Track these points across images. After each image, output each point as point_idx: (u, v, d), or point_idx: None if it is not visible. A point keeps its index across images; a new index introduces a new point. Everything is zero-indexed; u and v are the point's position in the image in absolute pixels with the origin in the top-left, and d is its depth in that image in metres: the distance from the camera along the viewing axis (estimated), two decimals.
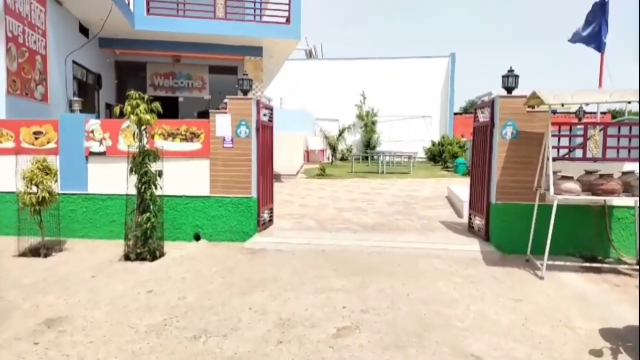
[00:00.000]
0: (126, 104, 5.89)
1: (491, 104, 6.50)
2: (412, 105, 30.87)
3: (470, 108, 43.89)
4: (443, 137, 26.00)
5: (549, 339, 3.71)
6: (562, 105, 5.16)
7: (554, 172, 5.48)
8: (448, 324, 3.97)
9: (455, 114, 32.23)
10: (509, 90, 6.34)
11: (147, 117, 5.79)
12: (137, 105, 5.83)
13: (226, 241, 6.74)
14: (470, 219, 7.29)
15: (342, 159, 28.35)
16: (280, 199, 10.61)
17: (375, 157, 23.14)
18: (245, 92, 6.82)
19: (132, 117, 5.78)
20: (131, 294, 4.68)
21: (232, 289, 4.81)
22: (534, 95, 5.55)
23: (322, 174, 17.08)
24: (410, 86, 30.77)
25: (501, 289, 4.86)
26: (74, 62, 10.96)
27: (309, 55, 33.85)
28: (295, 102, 29.77)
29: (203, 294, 4.65)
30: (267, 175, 7.35)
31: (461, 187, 11.36)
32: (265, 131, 7.17)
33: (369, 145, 30.20)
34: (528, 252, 5.94)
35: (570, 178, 5.22)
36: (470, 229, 7.22)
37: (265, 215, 7.36)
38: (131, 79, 15.37)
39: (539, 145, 6.13)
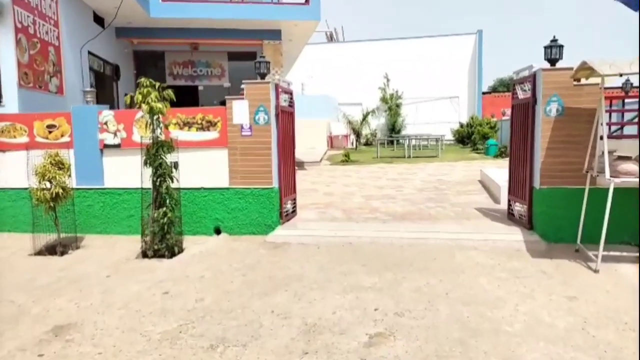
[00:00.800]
0: (137, 92, 5.54)
1: (533, 78, 5.88)
2: (438, 85, 29.88)
3: (500, 87, 42.38)
4: (472, 118, 25.04)
5: (616, 347, 3.20)
6: (620, 75, 4.53)
7: (609, 152, 4.87)
8: (496, 328, 3.49)
9: (483, 93, 31.07)
10: (553, 62, 5.71)
11: (159, 105, 5.43)
12: (148, 94, 5.46)
13: (248, 234, 6.39)
14: (509, 205, 6.72)
15: (367, 144, 27.74)
16: (304, 188, 10.21)
17: (401, 141, 22.47)
18: (262, 76, 6.38)
19: (144, 106, 5.43)
20: (146, 295, 4.37)
21: (254, 288, 4.43)
22: (584, 66, 4.93)
23: (346, 160, 16.59)
24: (436, 66, 29.76)
25: (552, 285, 4.33)
26: (89, 52, 10.73)
27: (330, 38, 33.12)
28: (317, 87, 29.18)
29: (222, 295, 4.29)
30: (289, 164, 6.93)
31: (495, 170, 10.72)
32: (285, 117, 6.74)
33: (393, 129, 29.46)
34: (578, 241, 5.36)
35: (628, 158, 4.61)
36: (510, 216, 6.65)
37: (288, 206, 6.97)
38: (150, 69, 15.13)
39: (587, 122, 5.51)
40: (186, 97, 15.19)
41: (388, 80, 29.73)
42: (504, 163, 15.64)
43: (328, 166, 15.95)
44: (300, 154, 20.36)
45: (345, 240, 5.92)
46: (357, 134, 24.92)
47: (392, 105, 29.60)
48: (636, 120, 5.62)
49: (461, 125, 26.74)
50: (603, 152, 4.94)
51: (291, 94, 7.06)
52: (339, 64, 30.36)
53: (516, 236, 5.79)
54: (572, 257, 5.15)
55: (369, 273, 4.76)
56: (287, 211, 6.81)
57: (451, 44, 30.03)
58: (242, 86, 6.37)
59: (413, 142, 20.34)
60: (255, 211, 6.36)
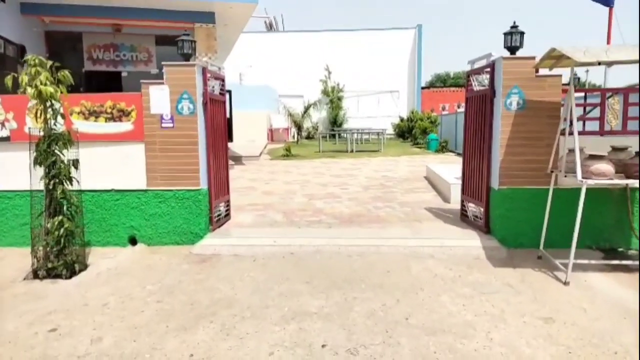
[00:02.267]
0: (22, 72, 4.39)
1: (491, 68, 5.35)
2: (379, 79, 29.73)
3: (437, 82, 43.20)
4: (412, 113, 25.06)
5: None
6: (599, 63, 4.04)
7: (572, 151, 4.41)
8: None
9: (422, 88, 31.33)
10: (513, 50, 5.20)
11: (50, 89, 4.31)
12: (37, 74, 4.34)
13: (170, 244, 5.41)
14: (463, 205, 6.21)
15: (308, 137, 27.06)
16: (241, 186, 9.28)
17: (343, 134, 21.95)
18: (187, 57, 5.41)
19: (29, 89, 4.30)
20: (25, 335, 3.33)
21: (170, 321, 3.52)
22: (552, 54, 4.42)
23: (287, 154, 15.77)
24: (377, 60, 29.57)
25: (523, 303, 3.78)
26: None
27: (269, 27, 32.00)
28: (256, 78, 28.04)
29: (127, 332, 3.34)
30: (221, 161, 6.01)
31: (441, 166, 10.35)
32: (216, 107, 5.80)
33: (335, 122, 28.97)
34: (541, 246, 4.90)
35: (601, 157, 4.15)
36: (464, 218, 6.14)
37: (221, 210, 6.06)
38: (65, 52, 13.41)
39: (550, 117, 5.06)
40: (108, 83, 13.65)
41: (329, 72, 29.16)
42: (446, 158, 15.63)
43: (268, 161, 15.05)
44: (238, 147, 19.27)
45: (286, 250, 5.11)
46: (299, 127, 24.12)
47: (333, 98, 29.09)
48: (589, 116, 5.25)
49: (401, 120, 26.74)
50: (570, 150, 4.47)
51: (223, 80, 6.12)
52: (279, 54, 29.38)
53: (474, 241, 5.25)
54: (536, 265, 4.66)
55: (314, 293, 3.99)
56: (218, 215, 5.89)
57: (392, 37, 29.95)
58: (163, 70, 5.36)
59: (355, 136, 19.88)
60: (179, 217, 5.39)
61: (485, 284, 4.19)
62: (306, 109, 23.76)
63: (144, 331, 3.36)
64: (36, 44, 12.49)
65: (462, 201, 6.23)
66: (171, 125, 5.30)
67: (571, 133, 4.39)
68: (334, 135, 24.29)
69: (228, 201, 6.32)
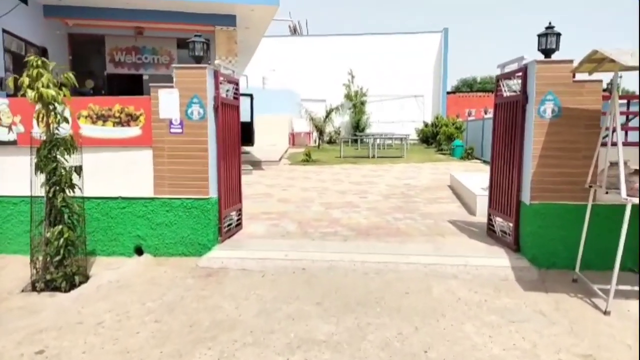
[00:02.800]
0: (24, 74, 4.21)
1: (523, 72, 4.93)
2: (403, 84, 29.22)
3: (463, 87, 42.31)
4: (437, 118, 24.45)
5: None
6: None
7: (614, 164, 3.97)
8: None
9: (447, 93, 30.65)
10: (548, 53, 4.76)
11: (51, 92, 4.11)
12: (39, 76, 4.14)
13: (177, 256, 5.16)
14: (490, 220, 5.78)
15: (330, 142, 26.73)
16: (257, 192, 9.02)
17: (366, 139, 21.55)
18: (198, 60, 5.16)
19: (29, 92, 4.10)
20: (10, 357, 3.10)
21: (165, 345, 3.24)
22: (593, 57, 3.99)
23: (307, 159, 15.49)
24: (401, 64, 29.07)
25: (557, 336, 3.36)
26: (4, 31, 9.12)
27: (293, 31, 31.86)
28: (279, 81, 27.92)
29: (118, 357, 3.07)
30: (233, 168, 5.74)
31: (466, 175, 9.88)
32: (228, 111, 5.54)
33: (358, 127, 28.57)
34: (576, 268, 4.44)
35: None
36: (491, 233, 5.71)
37: (233, 217, 5.79)
38: (88, 55, 13.49)
39: (588, 126, 4.61)
40: (130, 86, 13.66)
41: (353, 76, 28.78)
42: (471, 166, 15.05)
43: (288, 166, 14.79)
44: (258, 151, 19.10)
45: (297, 265, 4.79)
46: (320, 132, 23.82)
47: (356, 103, 28.69)
48: (631, 125, 4.76)
49: (426, 125, 26.16)
50: (612, 164, 4.02)
51: (237, 83, 5.87)
52: (303, 58, 29.20)
53: (501, 260, 4.83)
54: (571, 290, 4.21)
55: (325, 317, 3.66)
56: (229, 225, 5.62)
57: (417, 41, 29.41)
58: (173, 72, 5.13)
59: (378, 141, 19.46)
60: (186, 227, 5.13)
61: (515, 311, 3.78)
62: (328, 114, 23.44)
63: (136, 356, 3.08)
64: (59, 47, 12.56)
65: (489, 215, 5.80)
66: (180, 130, 5.05)
67: (614, 144, 3.95)
68: (356, 140, 23.92)
69: (240, 210, 6.05)
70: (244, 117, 22.65)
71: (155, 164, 5.10)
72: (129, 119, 5.11)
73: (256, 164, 14.11)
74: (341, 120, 28.70)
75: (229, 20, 11.87)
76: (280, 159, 16.14)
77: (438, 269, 4.65)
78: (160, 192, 5.12)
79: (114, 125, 5.13)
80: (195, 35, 5.19)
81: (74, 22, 12.52)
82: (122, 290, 4.26)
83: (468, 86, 42.17)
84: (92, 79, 13.60)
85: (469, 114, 19.69)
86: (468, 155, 16.69)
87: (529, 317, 3.66)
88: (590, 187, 4.29)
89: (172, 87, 5.03)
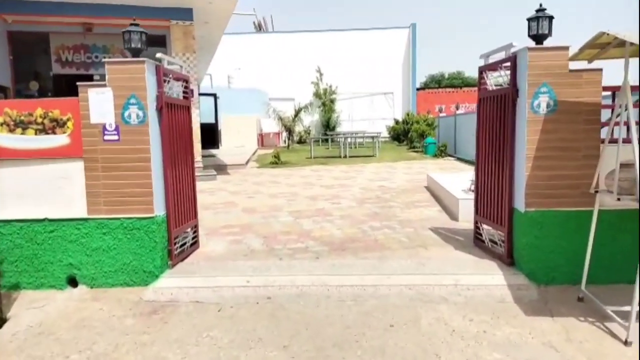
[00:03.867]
0: None
1: (512, 62, 4.34)
2: (373, 81, 28.79)
3: (431, 83, 42.28)
4: (407, 115, 24.09)
5: None
6: None
7: (627, 165, 3.42)
8: None
9: (417, 89, 30.39)
10: (539, 39, 4.19)
11: None
12: None
13: (118, 286, 4.35)
14: (477, 227, 5.19)
15: (300, 141, 26.03)
16: (220, 201, 8.23)
17: (337, 139, 20.93)
18: (135, 53, 4.37)
19: None
20: None
21: None
22: (598, 41, 3.41)
23: (276, 162, 14.73)
24: (370, 60, 28.63)
25: None
26: None
27: (259, 28, 30.99)
28: (245, 81, 27.02)
29: None
30: (185, 179, 4.96)
31: (443, 175, 9.36)
32: (176, 113, 4.76)
33: (328, 125, 27.97)
34: (582, 284, 3.87)
35: None
36: (478, 242, 5.13)
37: (189, 234, 5.03)
38: (31, 54, 12.35)
39: (589, 122, 4.07)
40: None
41: (321, 74, 28.15)
42: (446, 164, 14.60)
43: (255, 169, 13.99)
44: (224, 155, 18.21)
45: (261, 293, 4.06)
46: (289, 132, 23.06)
47: (326, 101, 28.09)
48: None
49: (396, 122, 25.77)
50: (623, 165, 3.46)
51: (186, 80, 5.08)
52: (269, 56, 28.36)
53: (495, 277, 4.23)
54: (579, 312, 3.64)
55: None
56: (182, 246, 4.85)
57: (385, 37, 29.02)
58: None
59: (349, 140, 18.86)
60: (128, 252, 4.33)
61: (521, 346, 3.16)
62: (297, 113, 22.73)
63: None
64: None
65: (476, 222, 5.21)
66: (116, 137, 4.24)
67: (626, 141, 3.39)
68: (327, 140, 23.30)
69: (196, 226, 5.27)
70: (208, 118, 21.76)
71: (88, 179, 4.28)
72: (54, 126, 4.26)
73: (221, 169, 13.27)
74: (311, 119, 28.06)
75: (186, 14, 11.00)
76: (247, 162, 15.32)
77: (425, 291, 4.01)
78: (94, 211, 4.30)
79: (36, 133, 4.28)
80: (132, 24, 4.39)
81: (13, 18, 11.38)
82: (43, 338, 3.43)
83: (436, 82, 42.20)
84: (36, 81, 12.47)
85: (440, 110, 19.34)
86: (441, 152, 16.29)
87: (538, 354, 3.05)
88: (596, 192, 3.73)
89: (104, 85, 4.21)
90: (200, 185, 10.38)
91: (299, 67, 28.04)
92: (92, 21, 11.88)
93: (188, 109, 5.12)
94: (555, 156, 4.12)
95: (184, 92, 5.04)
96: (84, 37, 12.29)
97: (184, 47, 10.95)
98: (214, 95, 16.81)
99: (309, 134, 26.22)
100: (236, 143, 23.54)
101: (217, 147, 16.86)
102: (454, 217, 6.56)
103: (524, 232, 4.23)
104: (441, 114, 19.23)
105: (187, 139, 5.07)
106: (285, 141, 23.84)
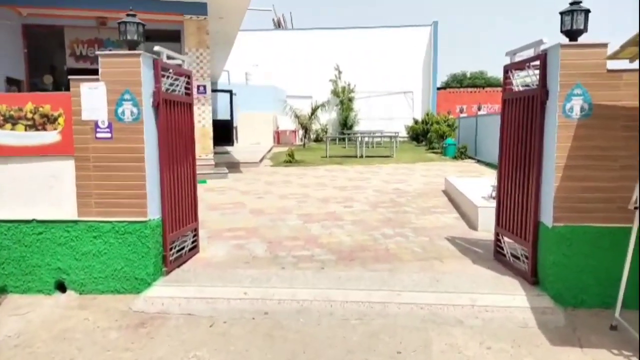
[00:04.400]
0: None
1: (542, 60, 3.92)
2: (392, 79, 28.27)
3: (453, 82, 41.45)
4: (427, 115, 23.54)
5: None
6: None
7: None
8: None
9: (438, 88, 29.76)
10: (573, 35, 3.77)
11: None
12: None
13: (108, 293, 4.08)
14: (498, 240, 4.78)
15: (317, 140, 25.71)
16: (228, 201, 7.95)
17: (353, 137, 20.54)
18: (132, 45, 4.09)
19: None
20: None
21: None
22: None
23: (290, 160, 14.42)
24: (390, 59, 28.13)
25: None
26: None
27: (277, 25, 30.75)
28: (263, 78, 26.77)
29: None
30: (184, 180, 4.68)
31: (462, 180, 8.91)
32: (176, 110, 4.47)
33: (345, 124, 27.58)
34: (616, 311, 3.44)
35: None
36: (499, 256, 4.72)
37: (188, 238, 4.75)
38: (46, 48, 12.30)
39: (627, 128, 3.64)
40: None
41: (340, 72, 27.76)
42: (466, 166, 14.06)
43: (269, 168, 13.71)
44: (240, 151, 18.00)
45: (258, 307, 3.74)
46: (306, 130, 22.74)
47: (344, 99, 27.69)
48: None
49: (415, 122, 25.25)
50: None
51: (188, 76, 4.79)
52: (288, 53, 28.08)
53: (517, 298, 3.83)
54: (612, 343, 3.22)
55: None
56: (180, 250, 4.56)
57: (406, 35, 28.47)
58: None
59: (366, 139, 18.46)
60: (119, 258, 4.06)
61: None
62: (314, 111, 22.38)
63: None
64: (12, 39, 11.38)
65: (497, 234, 4.80)
66: (109, 135, 3.97)
67: None
68: (343, 139, 22.93)
69: (195, 229, 4.98)
70: (224, 114, 21.58)
71: (79, 178, 4.01)
72: (45, 122, 4.01)
73: (234, 166, 13.02)
74: (328, 118, 27.72)
75: (200, 8, 10.74)
76: (261, 160, 15.06)
77: (438, 312, 3.64)
78: (85, 213, 4.04)
79: (26, 129, 4.04)
80: (128, 15, 4.12)
81: (28, 11, 11.32)
82: (19, 351, 3.18)
83: (458, 82, 41.35)
84: (51, 75, 12.41)
85: (461, 111, 18.79)
86: (461, 154, 15.76)
87: None
88: (636, 209, 3.29)
89: (97, 79, 3.94)
90: (210, 183, 10.16)
91: (318, 65, 27.70)
92: (107, 15, 11.74)
93: (190, 106, 4.83)
94: (589, 166, 3.69)
95: (185, 88, 4.74)
96: (98, 31, 12.18)
97: (198, 42, 10.70)
98: (230, 92, 16.61)
99: (325, 132, 25.88)
100: (252, 140, 23.34)
101: (232, 144, 16.63)
102: (472, 225, 6.14)
103: (551, 249, 3.81)
104: (462, 115, 18.65)
105: (188, 138, 4.78)
106: (301, 139, 23.53)
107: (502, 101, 4.74)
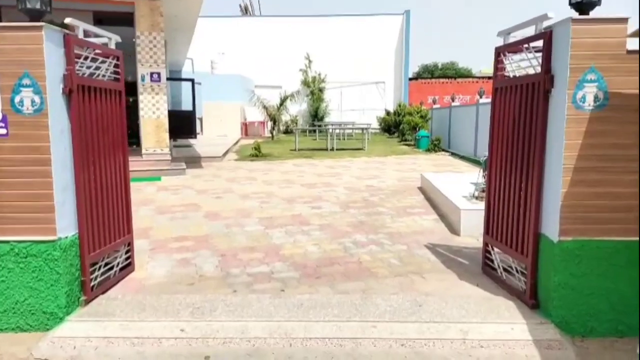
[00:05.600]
0: None
1: (547, 39, 3.23)
2: (364, 69, 27.56)
3: (424, 73, 41.13)
4: (399, 106, 22.98)
5: None
6: None
7: None
8: None
9: (410, 79, 29.26)
10: (585, 9, 3.09)
11: None
12: None
13: (10, 331, 3.21)
14: (487, 250, 4.12)
15: (287, 131, 24.85)
16: (181, 202, 7.08)
17: (324, 129, 19.78)
18: (36, 16, 3.18)
19: None
20: None
21: None
22: None
23: (256, 154, 13.54)
24: (361, 48, 27.38)
25: None
26: None
27: (245, 11, 29.55)
28: (230, 66, 25.62)
29: None
30: (112, 185, 3.82)
31: (440, 176, 8.31)
32: (99, 99, 3.60)
33: (316, 115, 26.76)
34: (639, 346, 2.82)
35: None
36: (488, 269, 4.07)
37: (118, 256, 3.90)
38: None
39: None
40: None
41: (310, 61, 26.87)
42: (441, 159, 13.46)
43: (233, 162, 12.81)
44: (204, 144, 16.98)
45: (197, 350, 2.95)
46: (274, 121, 21.83)
47: (314, 90, 26.83)
48: None
49: (387, 113, 24.68)
50: None
51: (117, 58, 3.90)
52: (256, 41, 26.95)
53: (516, 328, 3.16)
54: None
55: None
56: (108, 272, 3.71)
57: (377, 24, 27.77)
58: None
59: (337, 131, 17.72)
60: (21, 287, 3.18)
61: None
62: (282, 101, 21.47)
63: None
64: None
65: (486, 244, 4.14)
66: (4, 131, 3.07)
67: None
68: (314, 130, 22.14)
69: (129, 243, 4.13)
70: (185, 105, 20.43)
71: None
72: None
73: (194, 161, 12.08)
74: (299, 109, 26.87)
75: None
76: (225, 154, 14.13)
77: (422, 350, 2.94)
78: None
79: None
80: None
81: None
82: None
83: (429, 72, 41.08)
84: None
85: (434, 102, 18.24)
86: (435, 147, 15.22)
87: None
88: None
89: None
90: (165, 181, 9.23)
91: (287, 54, 26.72)
92: None
93: (120, 94, 3.95)
94: (603, 168, 3.04)
95: (114, 72, 3.86)
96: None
97: (151, 25, 9.68)
98: (192, 81, 15.50)
99: (296, 123, 25.02)
100: (218, 132, 22.29)
101: (195, 137, 15.59)
102: (454, 229, 5.50)
103: (556, 268, 3.16)
104: (435, 106, 18.13)
105: (118, 133, 3.91)
106: (270, 131, 22.62)
107: (493, 89, 4.06)
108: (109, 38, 3.90)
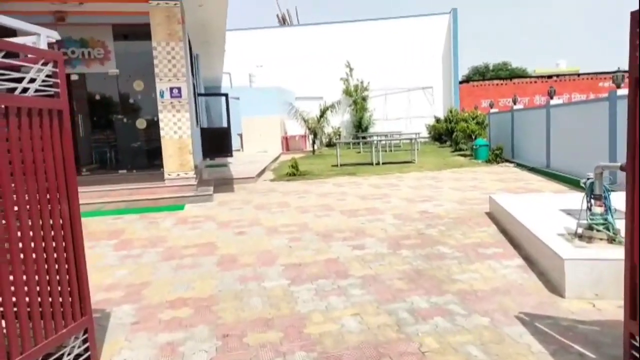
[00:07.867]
0: None
1: None
2: (409, 75, 25.95)
3: (475, 75, 38.73)
4: (451, 112, 21.12)
5: None
6: None
7: None
8: None
9: (459, 82, 27.26)
10: None
11: None
12: None
13: None
14: (634, 346, 2.52)
15: (329, 144, 23.57)
16: (193, 243, 5.85)
17: (369, 141, 18.30)
18: None
19: None
20: None
21: None
22: None
23: (293, 172, 12.25)
24: (405, 52, 25.80)
25: None
26: None
27: (282, 21, 28.71)
28: (269, 79, 24.75)
29: None
30: (52, 251, 2.55)
31: (514, 198, 6.65)
32: (16, 125, 2.35)
33: (360, 126, 25.32)
34: None
35: None
36: None
37: (70, 350, 2.63)
38: None
39: None
40: None
41: (351, 69, 25.54)
42: (507, 174, 11.27)
43: (267, 183, 11.58)
44: (242, 162, 15.95)
45: None
46: (315, 134, 20.58)
47: (357, 99, 25.43)
48: None
49: (437, 120, 22.86)
50: None
51: (54, 63, 2.67)
52: (294, 51, 25.99)
53: None
54: None
55: None
56: None
57: (422, 25, 26.11)
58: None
59: (382, 142, 16.19)
60: None
61: None
62: (322, 113, 20.21)
63: None
64: None
65: (631, 335, 2.54)
66: None
67: None
68: (358, 142, 20.72)
69: (86, 330, 2.86)
70: (219, 122, 19.60)
71: None
72: None
73: (225, 183, 10.95)
74: (341, 120, 25.57)
75: None
76: (261, 173, 12.96)
77: None
78: None
79: None
80: None
81: None
82: None
83: (480, 74, 38.68)
84: None
85: (491, 106, 16.34)
86: (496, 157, 13.36)
87: None
88: None
89: None
90: (188, 209, 8.05)
91: (327, 63, 25.55)
92: (65, 9, 9.79)
93: (60, 113, 2.70)
94: None
95: (44, 82, 2.63)
96: (56, 28, 10.22)
97: (168, 34, 8.64)
98: (226, 96, 14.54)
99: (339, 136, 23.70)
100: (258, 148, 21.35)
101: (231, 155, 14.58)
102: (553, 286, 3.88)
103: None
104: (492, 110, 16.20)
105: (57, 172, 2.65)
106: (311, 145, 21.40)
107: (630, 81, 2.48)
108: (38, 34, 2.68)
